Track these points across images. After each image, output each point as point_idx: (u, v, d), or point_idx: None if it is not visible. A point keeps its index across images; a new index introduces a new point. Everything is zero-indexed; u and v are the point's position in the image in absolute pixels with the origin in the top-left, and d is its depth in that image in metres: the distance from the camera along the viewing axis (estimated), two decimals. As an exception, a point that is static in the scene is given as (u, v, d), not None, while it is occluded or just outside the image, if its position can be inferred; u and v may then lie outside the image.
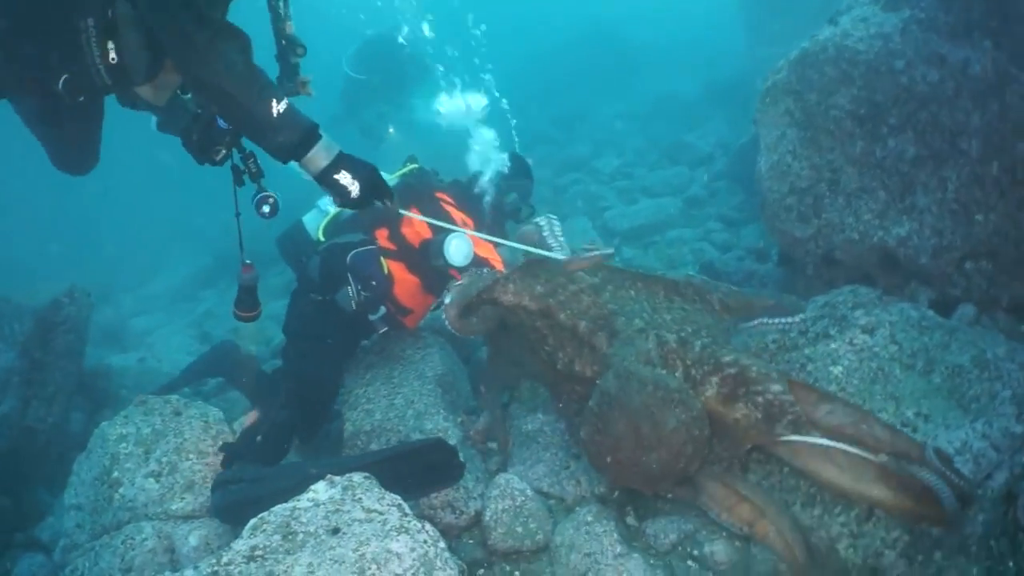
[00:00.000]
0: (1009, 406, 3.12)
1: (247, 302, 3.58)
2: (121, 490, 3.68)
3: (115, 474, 3.73)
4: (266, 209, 3.29)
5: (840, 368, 3.41)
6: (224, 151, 3.20)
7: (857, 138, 4.09)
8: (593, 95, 14.38)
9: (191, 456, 3.82)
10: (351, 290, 4.19)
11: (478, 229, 4.42)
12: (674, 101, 12.93)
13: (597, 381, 3.28)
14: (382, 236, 4.40)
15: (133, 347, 8.01)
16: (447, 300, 3.76)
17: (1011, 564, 2.76)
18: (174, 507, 3.64)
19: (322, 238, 4.49)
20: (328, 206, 4.64)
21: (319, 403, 4.16)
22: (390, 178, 4.49)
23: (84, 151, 3.66)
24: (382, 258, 4.28)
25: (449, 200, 4.53)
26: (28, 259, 12.59)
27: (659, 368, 3.22)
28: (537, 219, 4.06)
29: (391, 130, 9.88)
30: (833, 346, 3.55)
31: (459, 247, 4.08)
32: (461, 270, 4.04)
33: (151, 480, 3.71)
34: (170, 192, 14.86)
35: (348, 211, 4.42)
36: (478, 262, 4.15)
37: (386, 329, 4.57)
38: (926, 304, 3.81)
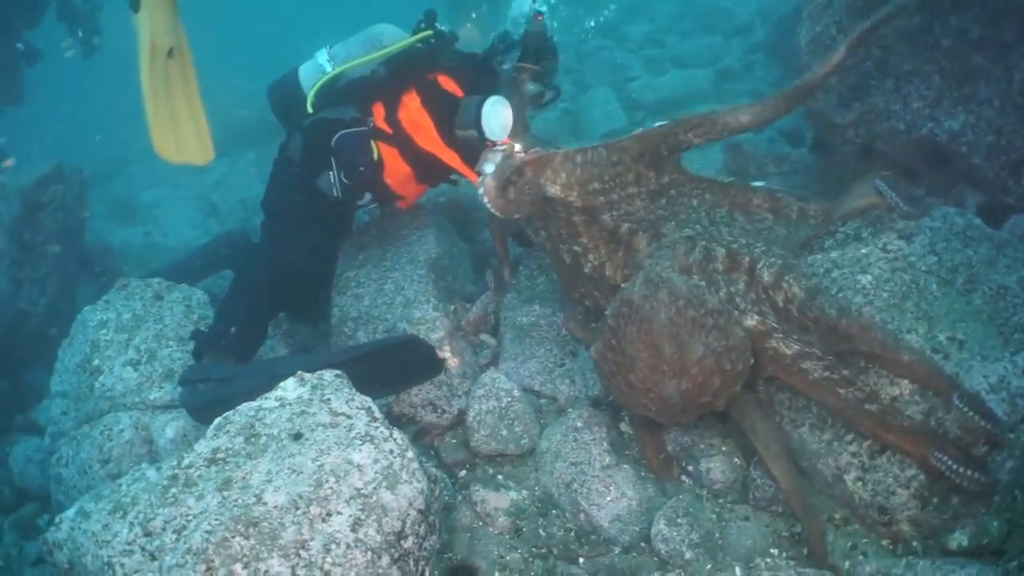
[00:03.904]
0: (1057, 341, 2.76)
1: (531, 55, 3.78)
2: (101, 378, 3.58)
3: (95, 362, 3.62)
4: None
5: (869, 278, 3.04)
6: None
7: (914, 11, 3.54)
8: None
9: (171, 343, 3.67)
10: (332, 176, 3.82)
11: None
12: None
13: (622, 285, 2.88)
14: (378, 115, 3.89)
15: (141, 220, 7.81)
16: (487, 169, 3.09)
17: (1035, 519, 2.48)
18: (152, 396, 3.53)
19: (310, 109, 3.99)
20: (326, 63, 4.11)
21: (299, 292, 3.86)
22: (397, 44, 3.95)
23: None
24: (373, 142, 3.86)
25: (453, 83, 3.89)
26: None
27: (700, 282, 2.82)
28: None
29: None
30: (863, 251, 3.16)
31: (500, 115, 3.44)
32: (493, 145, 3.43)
33: (129, 369, 3.58)
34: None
35: (348, 75, 3.95)
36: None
37: (376, 205, 4.23)
38: (974, 210, 3.40)
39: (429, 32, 3.98)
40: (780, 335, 2.73)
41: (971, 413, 2.47)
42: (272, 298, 3.73)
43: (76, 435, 3.49)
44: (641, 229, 3.06)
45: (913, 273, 3.01)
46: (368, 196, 4.02)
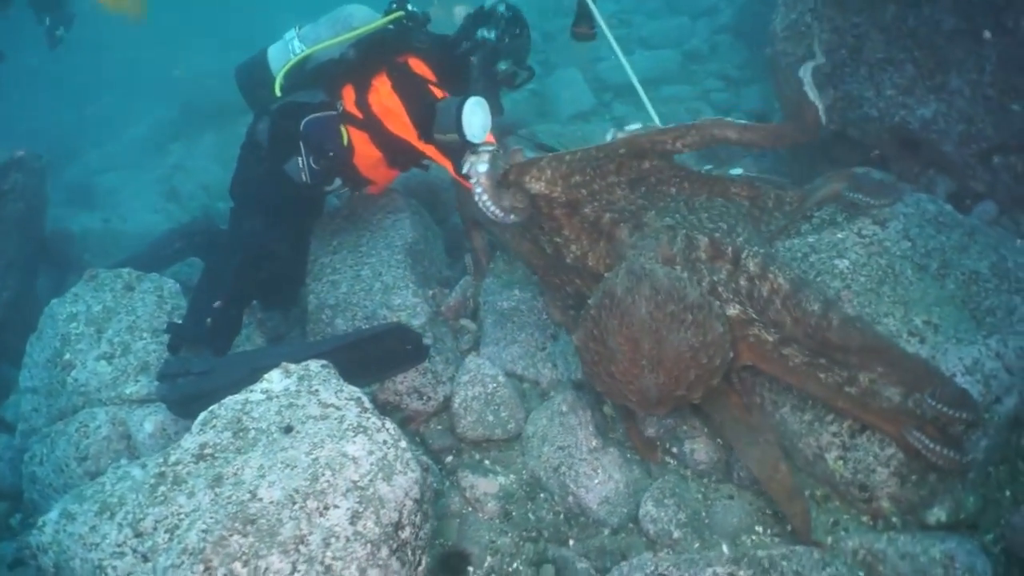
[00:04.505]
0: (1027, 323, 2.87)
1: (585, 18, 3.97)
2: (74, 373, 3.47)
3: (67, 356, 3.50)
4: None
5: (846, 262, 3.11)
6: None
7: (889, 0, 3.59)
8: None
9: (145, 335, 3.57)
10: (301, 161, 3.75)
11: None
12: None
13: (605, 274, 2.91)
14: (348, 99, 3.81)
15: (100, 206, 7.57)
16: (480, 169, 2.99)
17: (1008, 493, 2.58)
18: (128, 391, 3.43)
19: (279, 92, 3.86)
20: (296, 43, 4.01)
21: (272, 279, 3.80)
22: (368, 26, 3.87)
23: None
24: (343, 126, 3.78)
25: (425, 66, 3.81)
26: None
27: (682, 273, 2.85)
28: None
29: None
30: (840, 235, 3.23)
31: (480, 116, 3.32)
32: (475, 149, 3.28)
33: (103, 363, 3.48)
34: (138, 44, 13.65)
35: (317, 57, 3.87)
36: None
37: (347, 190, 4.17)
38: (944, 196, 3.49)
39: (400, 13, 3.90)
40: (761, 323, 2.79)
41: (945, 409, 2.53)
42: (245, 286, 3.67)
43: (50, 432, 3.37)
44: (623, 219, 3.08)
45: (888, 258, 3.09)
46: (338, 181, 3.96)
